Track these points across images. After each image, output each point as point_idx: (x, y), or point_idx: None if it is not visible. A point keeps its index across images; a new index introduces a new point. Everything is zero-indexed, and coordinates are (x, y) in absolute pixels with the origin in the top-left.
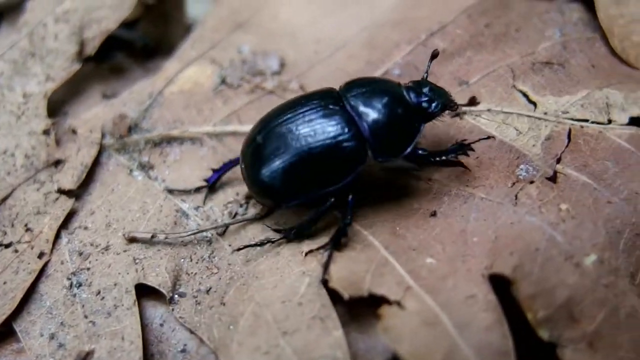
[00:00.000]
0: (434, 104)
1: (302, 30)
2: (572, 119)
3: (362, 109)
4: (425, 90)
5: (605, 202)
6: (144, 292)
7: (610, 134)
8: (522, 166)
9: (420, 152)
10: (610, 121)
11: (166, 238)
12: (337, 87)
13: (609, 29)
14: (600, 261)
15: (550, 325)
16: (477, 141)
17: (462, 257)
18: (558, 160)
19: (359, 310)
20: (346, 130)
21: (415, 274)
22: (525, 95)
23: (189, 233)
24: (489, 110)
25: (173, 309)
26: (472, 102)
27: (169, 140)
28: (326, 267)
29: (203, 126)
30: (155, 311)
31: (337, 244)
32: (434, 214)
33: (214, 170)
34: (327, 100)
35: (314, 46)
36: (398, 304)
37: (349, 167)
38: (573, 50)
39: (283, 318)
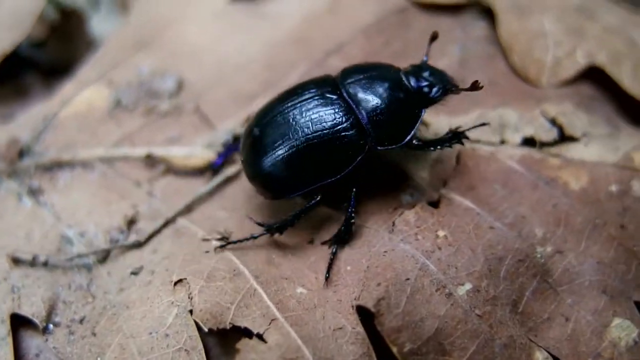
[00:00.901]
0: (435, 89)
1: (204, 51)
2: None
3: (360, 96)
4: (426, 74)
5: (487, 228)
6: (23, 321)
7: (502, 155)
8: (408, 190)
9: (416, 142)
10: (503, 142)
11: (46, 263)
12: (234, 109)
13: (510, 45)
14: (476, 290)
15: (417, 358)
16: (472, 128)
17: (334, 287)
18: (444, 184)
19: (229, 341)
20: (344, 119)
21: (283, 305)
22: None
23: (68, 258)
24: None
25: (47, 339)
26: (475, 86)
27: (60, 164)
28: (329, 267)
29: (95, 150)
30: (32, 341)
31: (342, 241)
32: (311, 242)
33: (219, 154)
34: (324, 89)
35: (215, 67)
36: (260, 337)
37: (348, 157)
38: (471, 67)
39: (148, 350)
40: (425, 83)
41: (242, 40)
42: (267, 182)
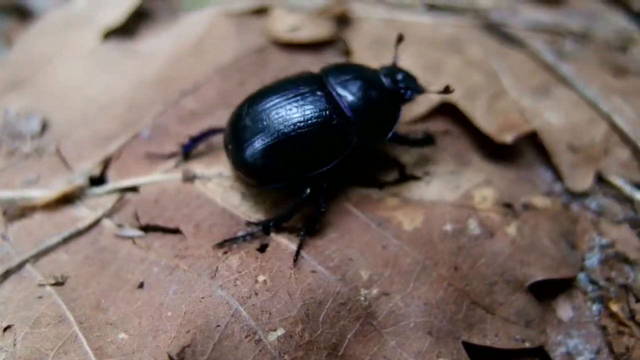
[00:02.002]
0: (409, 91)
1: (74, 90)
2: None
3: (349, 97)
4: (399, 77)
5: (309, 272)
6: None
7: (345, 196)
8: (240, 233)
9: (397, 134)
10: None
11: None
12: (91, 150)
13: None
14: (289, 335)
15: None
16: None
17: (155, 333)
18: (278, 229)
19: None
20: (334, 116)
21: (102, 351)
22: None
23: None
24: (220, 174)
25: None
26: (447, 90)
27: None
28: (298, 252)
29: None
30: None
31: (311, 230)
32: (141, 286)
33: (191, 138)
34: (313, 86)
35: (81, 107)
36: None
37: (335, 152)
38: None
39: None
40: (401, 85)
41: (111, 79)
42: (252, 170)
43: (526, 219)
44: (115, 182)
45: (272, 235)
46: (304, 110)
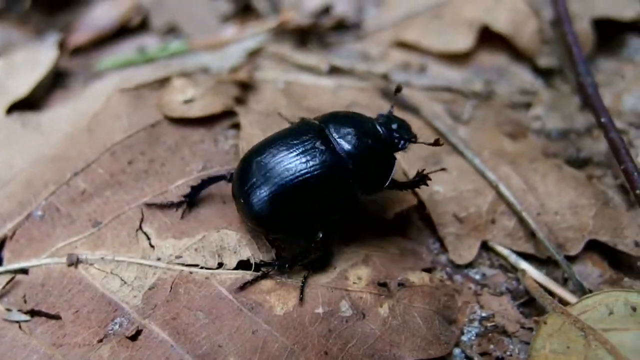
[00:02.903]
0: (402, 141)
1: None
2: (183, 265)
3: (346, 146)
4: (395, 126)
5: None
6: None
7: (215, 280)
8: (117, 319)
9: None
10: (221, 265)
11: None
12: None
13: None
14: None
15: None
16: (435, 172)
17: None
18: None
19: None
20: (335, 166)
21: None
22: (149, 238)
23: None
24: (102, 258)
25: None
26: (437, 142)
27: None
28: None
29: None
30: None
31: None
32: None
33: (192, 188)
34: (316, 140)
35: None
36: None
37: (338, 201)
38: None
39: None
40: (396, 135)
41: (11, 154)
42: (259, 219)
43: (401, 297)
44: (8, 263)
45: (145, 321)
46: (307, 161)
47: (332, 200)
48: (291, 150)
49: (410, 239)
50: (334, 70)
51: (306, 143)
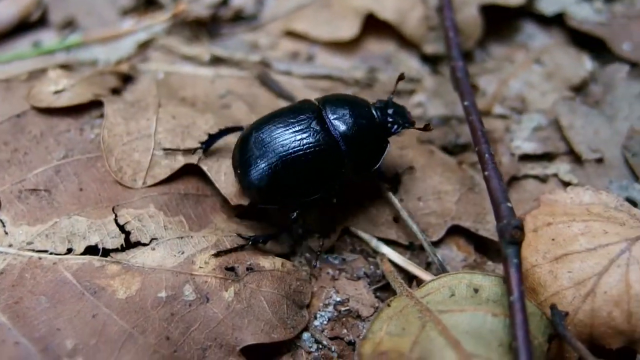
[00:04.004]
0: (396, 125)
1: None
2: (33, 251)
3: (341, 127)
4: (390, 111)
5: (12, 344)
6: None
7: (62, 265)
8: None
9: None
10: (70, 251)
11: None
12: None
13: (110, 147)
14: None
15: None
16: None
17: None
18: None
19: None
20: (328, 145)
21: None
22: (4, 225)
23: None
24: None
25: None
26: (426, 127)
27: None
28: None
29: None
30: None
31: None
32: None
33: (210, 135)
34: (313, 119)
35: None
36: None
37: (329, 179)
38: (67, 173)
39: None
40: (390, 119)
41: None
42: (255, 190)
43: (248, 281)
44: None
45: None
46: (302, 139)
47: (323, 178)
48: (288, 128)
49: (274, 224)
50: (217, 61)
51: (302, 122)
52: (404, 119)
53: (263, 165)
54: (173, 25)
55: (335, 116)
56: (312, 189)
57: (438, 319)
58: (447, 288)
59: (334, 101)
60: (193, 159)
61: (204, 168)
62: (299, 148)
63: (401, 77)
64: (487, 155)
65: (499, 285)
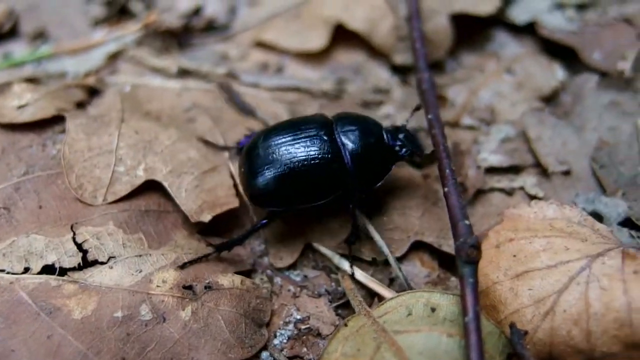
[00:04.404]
0: (404, 149)
1: None
2: None
3: (349, 145)
4: (401, 136)
5: None
6: None
7: (19, 284)
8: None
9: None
10: (27, 270)
11: None
12: None
13: (71, 164)
14: None
15: None
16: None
17: None
18: None
19: None
20: (334, 159)
21: None
22: None
23: None
24: None
25: None
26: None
27: None
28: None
29: None
30: None
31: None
32: None
33: (246, 136)
34: (322, 131)
35: None
36: None
37: (330, 191)
38: (26, 190)
39: None
40: (398, 143)
41: None
42: (259, 195)
43: (206, 300)
44: None
45: None
46: (310, 150)
47: (325, 189)
48: (297, 137)
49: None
50: (185, 73)
51: (311, 132)
52: (413, 145)
53: (269, 170)
54: (145, 35)
55: (344, 131)
56: (312, 198)
57: (393, 339)
58: (405, 307)
59: (346, 117)
60: (155, 175)
61: (165, 184)
62: (306, 158)
63: (418, 108)
64: (447, 170)
65: (457, 304)
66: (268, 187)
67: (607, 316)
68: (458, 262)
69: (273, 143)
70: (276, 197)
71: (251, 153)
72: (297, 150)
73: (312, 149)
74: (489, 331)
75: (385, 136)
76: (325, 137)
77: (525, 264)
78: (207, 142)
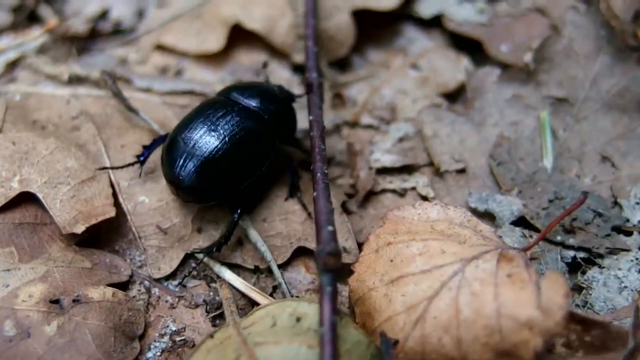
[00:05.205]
0: (292, 96)
1: None
2: None
3: (260, 103)
4: (283, 89)
5: None
6: None
7: None
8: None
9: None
10: None
11: None
12: None
13: None
14: None
15: None
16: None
17: None
18: None
19: None
20: (254, 122)
21: None
22: None
23: None
24: None
25: None
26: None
27: None
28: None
29: None
30: None
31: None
32: None
33: (144, 147)
34: (227, 105)
35: None
36: None
37: (263, 155)
38: None
39: None
40: (287, 93)
41: None
42: (190, 190)
43: (74, 314)
44: None
45: None
46: (230, 126)
47: (257, 152)
48: (210, 120)
49: (111, 251)
50: (78, 80)
51: (220, 110)
52: (291, 93)
53: (196, 163)
54: (54, 41)
55: (245, 96)
56: (249, 171)
57: (252, 351)
58: (270, 317)
59: (235, 88)
60: (30, 187)
61: (40, 195)
62: (229, 135)
63: (265, 65)
64: (319, 174)
65: None
66: (199, 180)
67: (477, 323)
68: (318, 270)
69: (190, 134)
70: (211, 187)
71: (172, 154)
72: (217, 130)
73: (231, 123)
74: (356, 341)
75: (273, 88)
76: (236, 109)
77: (401, 269)
78: (100, 169)
